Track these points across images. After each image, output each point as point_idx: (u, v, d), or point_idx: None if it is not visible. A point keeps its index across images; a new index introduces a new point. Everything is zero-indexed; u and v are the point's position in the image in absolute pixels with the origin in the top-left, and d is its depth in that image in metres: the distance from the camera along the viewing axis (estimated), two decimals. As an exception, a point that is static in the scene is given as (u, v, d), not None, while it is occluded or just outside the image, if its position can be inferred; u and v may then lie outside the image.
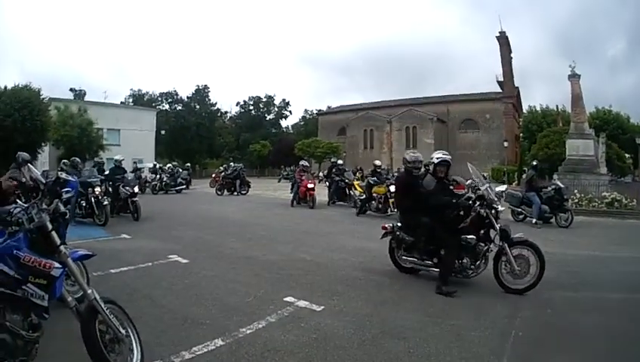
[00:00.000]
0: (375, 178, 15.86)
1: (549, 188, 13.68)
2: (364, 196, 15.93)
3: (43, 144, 28.63)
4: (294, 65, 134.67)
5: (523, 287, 5.92)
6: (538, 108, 51.65)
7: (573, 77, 24.31)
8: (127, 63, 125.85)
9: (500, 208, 6.40)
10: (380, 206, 15.02)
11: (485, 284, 6.36)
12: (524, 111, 55.61)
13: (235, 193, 24.73)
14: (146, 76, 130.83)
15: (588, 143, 23.13)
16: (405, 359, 3.91)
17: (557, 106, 48.80)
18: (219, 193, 24.91)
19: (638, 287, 6.47)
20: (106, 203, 12.27)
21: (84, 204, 12.23)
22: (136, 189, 13.97)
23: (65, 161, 13.45)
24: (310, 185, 18.08)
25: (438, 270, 6.30)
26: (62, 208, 4.85)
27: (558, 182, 14.60)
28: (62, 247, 3.16)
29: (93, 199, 12.10)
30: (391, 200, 14.09)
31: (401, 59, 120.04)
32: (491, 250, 6.25)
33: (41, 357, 3.03)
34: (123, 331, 3.38)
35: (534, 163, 15.88)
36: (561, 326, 4.87)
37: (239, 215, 15.52)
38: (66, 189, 4.87)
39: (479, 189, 6.40)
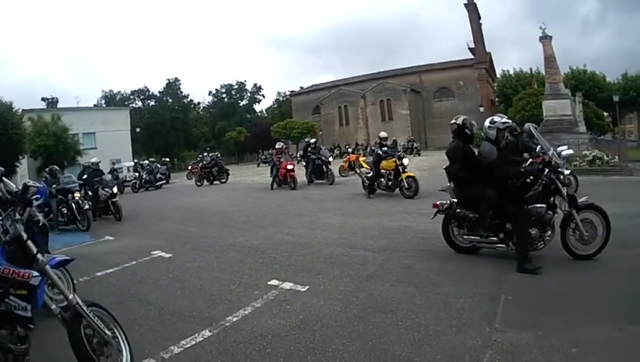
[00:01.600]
0: (382, 151, 13.85)
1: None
2: (372, 173, 13.77)
3: (20, 157, 27.98)
4: (260, 49, 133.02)
5: (592, 252, 5.65)
6: (512, 72, 51.79)
7: (545, 38, 24.49)
8: (96, 65, 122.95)
9: (566, 172, 6.08)
10: (390, 183, 13.38)
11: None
12: (498, 76, 55.72)
13: (215, 182, 24.62)
14: (115, 76, 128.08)
15: (564, 103, 23.36)
16: (394, 332, 3.91)
17: (531, 69, 49.25)
18: (198, 184, 24.87)
19: (635, 243, 6.21)
20: (87, 207, 12.10)
21: (65, 211, 12.09)
22: (115, 190, 13.78)
23: (50, 168, 13.21)
24: (290, 166, 17.84)
25: (504, 246, 5.87)
26: (38, 216, 4.83)
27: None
28: (39, 256, 3.12)
29: (73, 205, 11.94)
30: (404, 175, 12.93)
31: (367, 33, 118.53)
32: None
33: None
34: (109, 333, 3.39)
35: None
36: (551, 286, 4.87)
37: (220, 204, 15.49)
38: (36, 196, 4.80)
39: (547, 153, 5.94)
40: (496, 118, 6.21)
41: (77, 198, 12.07)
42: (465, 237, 6.23)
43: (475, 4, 59.28)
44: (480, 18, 60.19)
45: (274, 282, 5.64)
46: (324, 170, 18.53)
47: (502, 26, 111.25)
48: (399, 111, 57.30)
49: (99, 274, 6.86)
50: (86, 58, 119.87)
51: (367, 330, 3.99)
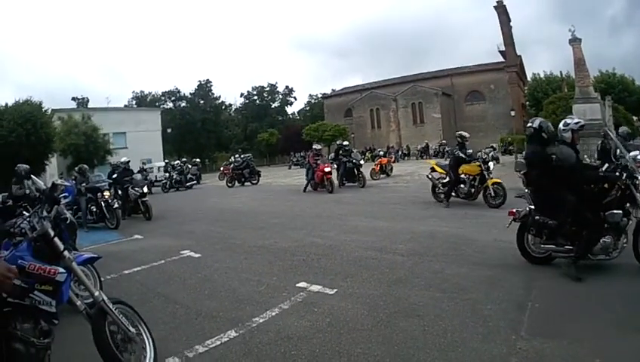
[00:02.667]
0: (465, 153, 12.05)
1: None
2: (448, 178, 12.18)
3: (50, 155, 28.76)
4: (289, 52, 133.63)
5: None
6: (542, 76, 50.87)
7: (574, 41, 23.94)
8: (127, 67, 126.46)
9: None
10: (473, 190, 11.72)
11: (496, 256, 6.29)
12: (529, 79, 54.94)
13: (246, 183, 24.76)
14: (146, 77, 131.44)
15: (594, 107, 22.67)
16: (420, 337, 3.84)
17: (561, 72, 48.31)
18: (229, 185, 24.97)
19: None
20: (116, 206, 12.32)
21: (94, 210, 12.38)
22: (145, 189, 13.98)
23: (79, 167, 13.51)
24: (327, 169, 17.31)
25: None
26: (66, 213, 4.88)
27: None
28: (65, 253, 3.16)
29: (103, 203, 12.20)
30: (490, 182, 11.27)
31: (394, 35, 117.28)
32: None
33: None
34: (133, 330, 3.40)
35: None
36: (579, 293, 4.74)
37: (250, 205, 15.50)
38: (64, 194, 4.87)
39: (624, 158, 5.68)
40: (568, 120, 5.94)
41: (106, 197, 12.31)
42: (542, 246, 5.89)
43: (504, 6, 58.94)
44: (510, 20, 59.65)
45: (302, 284, 5.59)
46: (356, 172, 18.40)
47: (531, 27, 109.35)
48: (431, 115, 57.48)
49: (126, 272, 6.93)
50: (116, 59, 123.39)
51: (393, 335, 3.93)
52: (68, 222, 6.10)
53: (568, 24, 61.20)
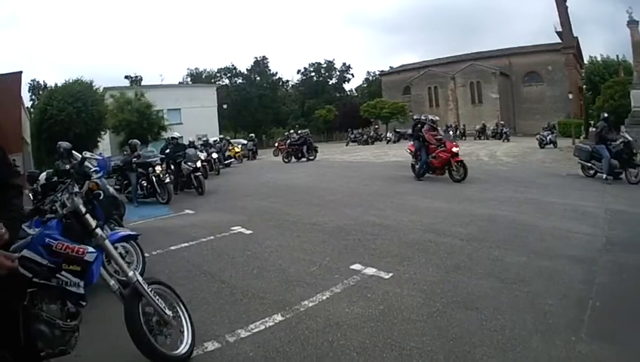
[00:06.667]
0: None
1: (618, 142, 12.35)
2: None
3: (102, 132, 29.79)
4: (343, 28, 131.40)
5: None
6: (599, 59, 48.43)
7: (632, 23, 23.02)
8: (180, 44, 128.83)
9: None
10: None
11: (556, 245, 6.03)
12: (585, 62, 52.37)
13: (303, 159, 24.76)
14: (201, 55, 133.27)
15: None
16: (477, 332, 3.63)
17: (617, 56, 45.64)
18: (286, 160, 25.07)
19: None
20: (167, 181, 12.52)
21: (145, 184, 12.64)
22: (198, 164, 14.11)
23: (130, 142, 13.78)
24: (455, 149, 12.95)
25: None
26: (108, 189, 4.81)
27: (627, 135, 13.08)
28: (98, 230, 3.10)
29: (154, 178, 12.41)
30: None
31: (448, 10, 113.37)
32: None
33: (86, 340, 3.02)
34: (169, 312, 3.30)
35: (605, 114, 13.88)
36: None
37: (306, 181, 15.38)
38: (94, 169, 4.80)
39: None
40: None
41: (157, 172, 12.52)
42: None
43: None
44: (566, 0, 56.30)
45: (356, 266, 5.38)
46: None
47: (586, 6, 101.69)
48: (489, 95, 56.41)
49: (173, 247, 6.91)
50: (170, 37, 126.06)
51: (449, 328, 3.73)
52: (111, 197, 6.06)
53: (626, 5, 57.22)
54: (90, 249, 2.90)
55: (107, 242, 3.15)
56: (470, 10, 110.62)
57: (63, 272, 2.77)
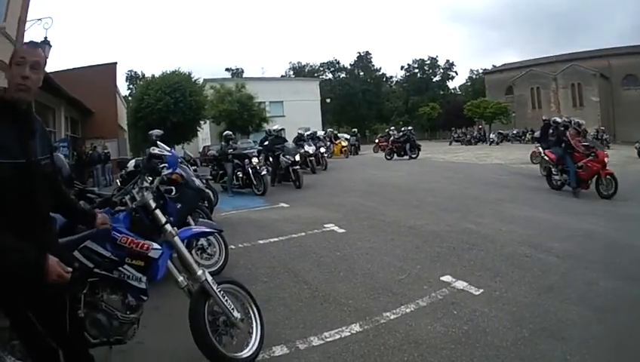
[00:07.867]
0: None
1: None
2: None
3: (202, 122, 30.96)
4: (442, 24, 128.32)
5: None
6: None
7: None
8: (281, 39, 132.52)
9: None
10: None
11: None
12: None
13: (406, 157, 24.33)
14: (303, 49, 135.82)
15: None
16: None
17: None
18: (388, 158, 24.88)
19: None
20: (264, 172, 12.71)
21: (240, 175, 12.88)
22: (297, 158, 14.20)
23: (225, 134, 14.07)
24: (607, 160, 11.18)
25: None
26: (194, 182, 4.79)
27: None
28: (167, 226, 3.08)
29: (250, 170, 12.62)
30: None
31: (548, 6, 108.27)
32: None
33: (153, 328, 3.18)
34: (238, 314, 3.20)
35: None
36: None
37: (407, 180, 14.91)
38: (163, 165, 4.78)
39: None
40: None
41: (254, 163, 12.73)
42: None
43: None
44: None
45: (447, 278, 5.03)
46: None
47: None
48: (589, 98, 52.79)
49: (261, 241, 6.91)
50: (273, 31, 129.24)
51: (532, 359, 3.35)
52: (195, 189, 6.05)
53: None
54: (155, 245, 2.92)
55: (177, 239, 3.12)
56: (570, 5, 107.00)
57: (126, 266, 2.80)
